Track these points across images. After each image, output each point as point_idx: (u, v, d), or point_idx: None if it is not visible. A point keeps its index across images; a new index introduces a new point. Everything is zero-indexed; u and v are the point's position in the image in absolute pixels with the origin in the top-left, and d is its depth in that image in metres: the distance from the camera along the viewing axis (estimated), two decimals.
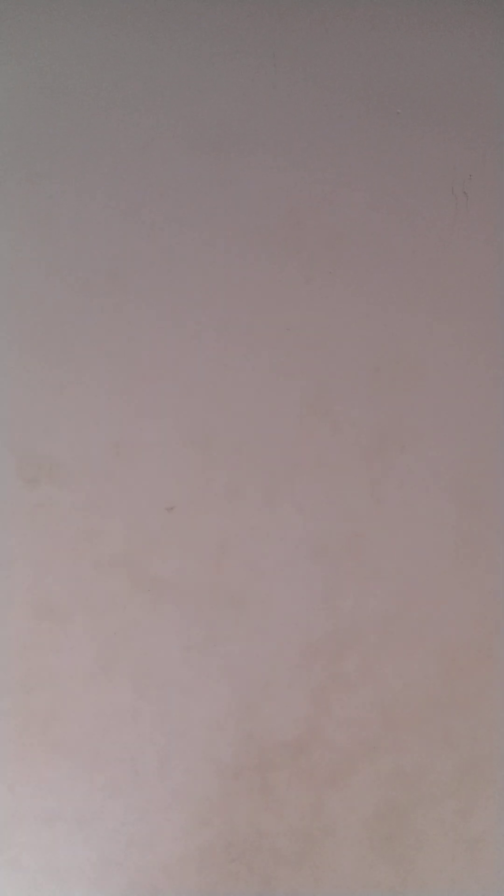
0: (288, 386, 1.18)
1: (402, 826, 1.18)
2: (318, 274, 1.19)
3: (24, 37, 1.16)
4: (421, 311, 1.21)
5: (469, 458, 1.21)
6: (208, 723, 1.15)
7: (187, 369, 1.17)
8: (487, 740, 1.20)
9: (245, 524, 1.17)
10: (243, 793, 1.16)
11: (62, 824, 1.13)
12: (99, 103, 1.16)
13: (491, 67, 1.22)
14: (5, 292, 1.15)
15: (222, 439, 1.17)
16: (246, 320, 1.18)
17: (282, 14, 1.19)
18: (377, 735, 1.18)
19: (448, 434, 1.21)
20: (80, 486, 1.15)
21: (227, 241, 1.18)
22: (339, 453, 1.19)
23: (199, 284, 1.17)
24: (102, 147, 1.16)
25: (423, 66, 1.21)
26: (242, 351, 1.18)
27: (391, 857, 1.18)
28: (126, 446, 1.16)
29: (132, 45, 1.17)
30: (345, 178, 1.20)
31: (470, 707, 1.19)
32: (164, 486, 1.16)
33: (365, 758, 1.18)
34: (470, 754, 1.19)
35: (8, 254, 1.15)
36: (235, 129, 1.18)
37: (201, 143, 1.18)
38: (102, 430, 1.15)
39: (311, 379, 1.19)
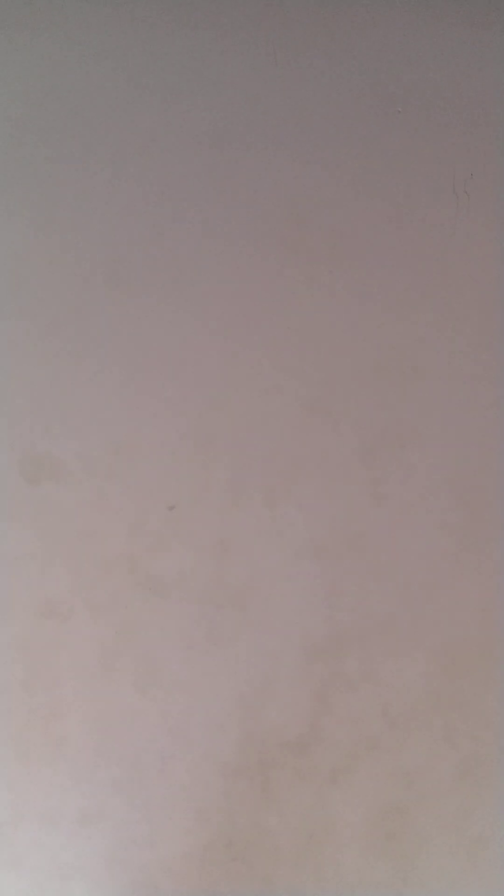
0: (289, 385, 1.18)
1: (404, 825, 1.18)
2: (318, 273, 1.19)
3: (23, 34, 1.16)
4: (422, 311, 1.21)
5: (470, 457, 1.21)
6: (210, 722, 1.15)
7: (188, 368, 1.17)
8: (488, 739, 1.20)
9: (246, 523, 1.17)
10: (245, 791, 1.16)
11: (63, 823, 1.13)
12: (99, 99, 1.16)
13: (492, 67, 1.22)
14: (6, 291, 1.15)
15: (223, 438, 1.17)
16: (247, 320, 1.18)
17: (283, 12, 1.19)
18: (378, 734, 1.18)
19: (449, 433, 1.21)
20: (81, 484, 1.15)
21: (227, 241, 1.18)
22: (340, 452, 1.19)
23: (201, 283, 1.17)
24: (102, 145, 1.16)
25: (425, 65, 1.21)
26: (243, 350, 1.18)
27: (392, 856, 1.18)
28: (127, 445, 1.16)
29: (132, 42, 1.17)
30: (345, 177, 1.20)
31: (471, 706, 1.19)
32: (166, 484, 1.16)
33: (366, 756, 1.18)
34: (471, 753, 1.19)
35: (8, 252, 1.15)
36: (235, 127, 1.18)
37: (201, 142, 1.18)
38: (104, 429, 1.15)
39: (312, 378, 1.19)
